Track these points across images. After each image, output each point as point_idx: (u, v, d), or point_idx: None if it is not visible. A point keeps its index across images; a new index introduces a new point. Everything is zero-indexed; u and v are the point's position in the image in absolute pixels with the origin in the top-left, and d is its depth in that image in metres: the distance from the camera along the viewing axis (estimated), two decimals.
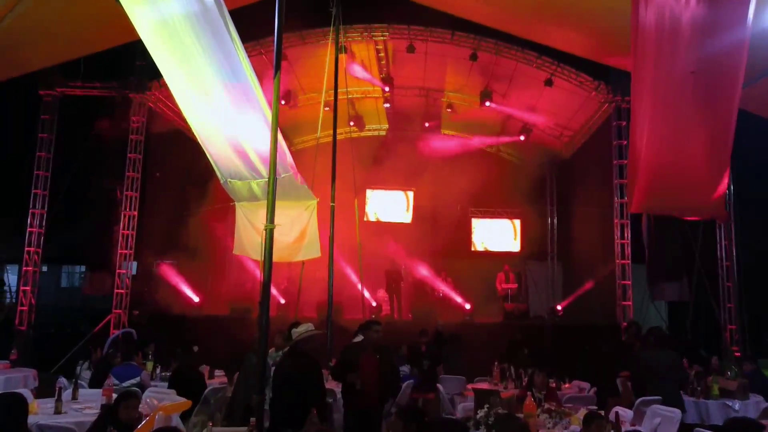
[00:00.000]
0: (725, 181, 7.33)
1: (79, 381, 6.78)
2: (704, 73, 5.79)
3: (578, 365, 9.15)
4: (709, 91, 5.90)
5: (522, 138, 15.26)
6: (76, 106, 12.85)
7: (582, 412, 5.34)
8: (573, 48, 11.56)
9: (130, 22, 5.55)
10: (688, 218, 9.83)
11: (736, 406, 6.90)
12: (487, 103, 13.81)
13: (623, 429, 5.15)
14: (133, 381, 6.97)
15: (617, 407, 5.91)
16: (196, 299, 13.79)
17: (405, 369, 8.52)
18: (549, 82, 12.76)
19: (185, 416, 6.12)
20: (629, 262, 12.27)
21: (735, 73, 5.74)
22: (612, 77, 12.22)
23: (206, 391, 7.09)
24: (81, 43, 10.61)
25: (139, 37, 5.70)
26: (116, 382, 6.69)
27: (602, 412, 5.62)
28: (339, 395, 7.17)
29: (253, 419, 4.53)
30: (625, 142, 11.79)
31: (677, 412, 5.84)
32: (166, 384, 7.14)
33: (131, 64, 12.42)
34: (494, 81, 13.73)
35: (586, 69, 12.47)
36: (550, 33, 11.15)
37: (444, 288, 14.93)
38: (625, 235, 12.34)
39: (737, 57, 5.73)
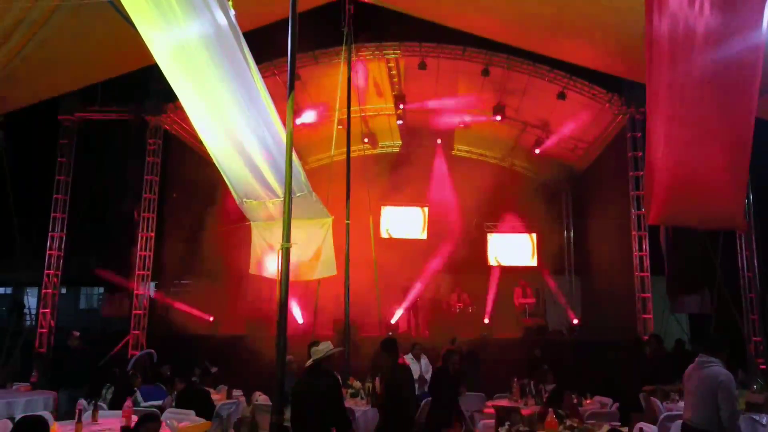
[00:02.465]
0: (744, 190, 7.25)
1: (99, 403, 6.81)
2: (720, 81, 5.74)
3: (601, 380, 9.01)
4: (725, 99, 5.85)
5: (536, 152, 15.22)
6: (94, 130, 13.05)
7: (605, 429, 5.26)
8: (585, 61, 11.56)
9: (147, 47, 5.65)
10: (708, 229, 9.70)
11: (764, 420, 6.71)
12: (499, 118, 13.82)
13: None
14: (155, 402, 7.00)
15: (641, 423, 5.81)
16: (212, 319, 13.84)
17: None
18: (562, 96, 12.74)
19: None
20: (648, 274, 12.10)
21: (751, 81, 5.68)
22: (625, 88, 12.17)
23: (218, 406, 7.10)
24: (98, 68, 10.81)
25: (155, 61, 5.79)
26: (140, 399, 6.76)
27: (626, 429, 5.53)
28: (357, 414, 7.15)
29: None
30: (641, 154, 11.69)
31: None
32: None
33: (147, 87, 12.61)
34: (507, 95, 13.76)
35: (599, 81, 12.44)
36: (561, 46, 11.17)
37: (460, 304, 14.83)
38: (644, 247, 12.19)
39: (753, 64, 5.68)
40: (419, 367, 8.74)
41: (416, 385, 8.48)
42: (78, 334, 9.28)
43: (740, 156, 6.00)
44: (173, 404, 6.99)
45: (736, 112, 5.88)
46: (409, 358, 8.71)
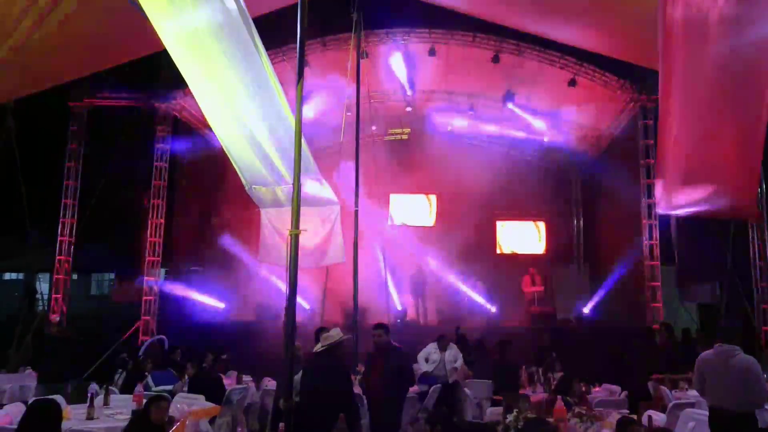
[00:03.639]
0: (757, 179, 7.16)
1: (111, 388, 6.89)
2: (734, 69, 5.66)
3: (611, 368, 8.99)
4: (738, 87, 5.76)
5: (546, 139, 15.11)
6: (104, 117, 13.09)
7: (614, 416, 5.25)
8: (597, 47, 11.43)
9: (156, 33, 5.63)
10: (719, 218, 9.62)
11: None
12: (510, 105, 13.71)
13: None
14: (166, 387, 7.07)
15: (650, 411, 5.80)
16: (221, 305, 13.92)
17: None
18: (572, 83, 12.64)
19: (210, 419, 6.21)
20: (658, 263, 12.05)
21: (766, 68, 5.60)
22: (637, 75, 12.05)
23: (228, 391, 7.17)
24: (108, 55, 10.80)
25: (164, 47, 5.78)
26: (151, 384, 6.82)
27: (635, 417, 5.52)
28: (366, 401, 7.18)
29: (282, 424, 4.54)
30: (652, 141, 11.59)
31: None
32: None
33: (157, 74, 12.60)
34: (517, 82, 13.64)
35: (610, 68, 12.33)
36: (573, 32, 11.04)
37: (469, 291, 14.83)
38: (654, 236, 12.12)
39: (767, 51, 5.60)
40: (442, 357, 8.67)
41: (427, 372, 8.51)
42: (58, 319, 8.40)
43: (753, 145, 5.92)
44: (185, 389, 7.06)
45: (750, 100, 5.79)
46: (432, 348, 8.68)
